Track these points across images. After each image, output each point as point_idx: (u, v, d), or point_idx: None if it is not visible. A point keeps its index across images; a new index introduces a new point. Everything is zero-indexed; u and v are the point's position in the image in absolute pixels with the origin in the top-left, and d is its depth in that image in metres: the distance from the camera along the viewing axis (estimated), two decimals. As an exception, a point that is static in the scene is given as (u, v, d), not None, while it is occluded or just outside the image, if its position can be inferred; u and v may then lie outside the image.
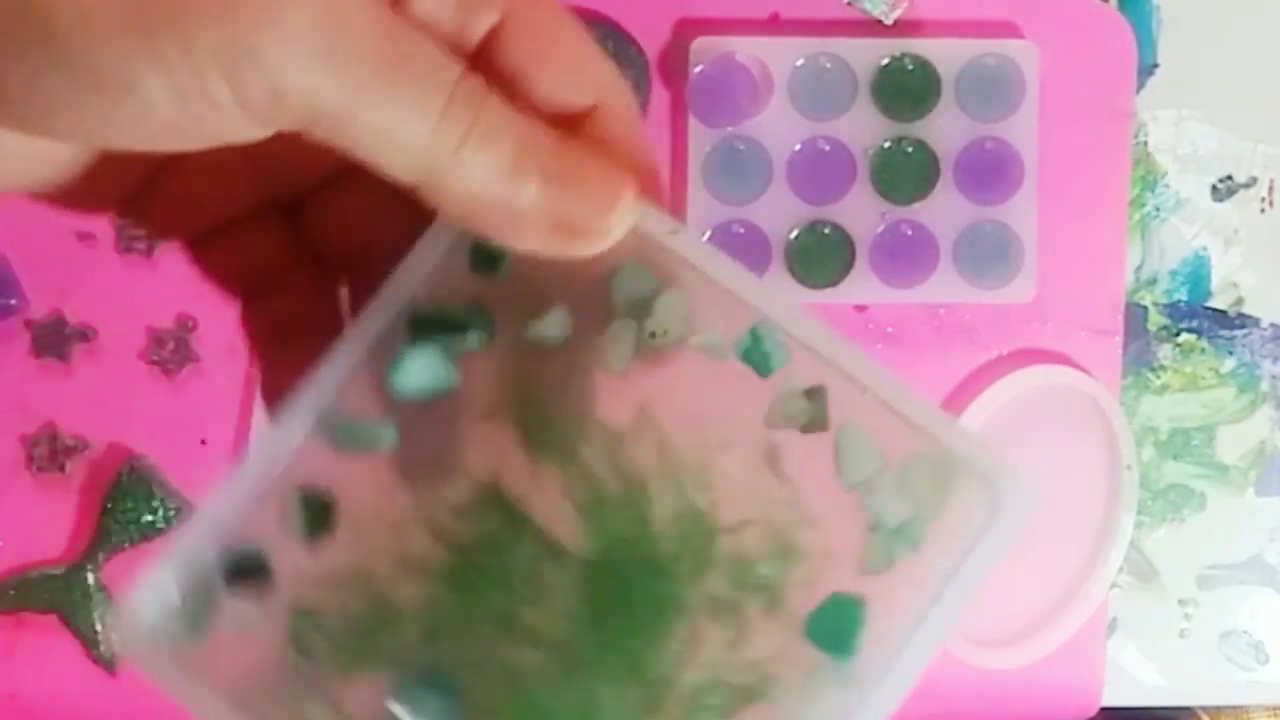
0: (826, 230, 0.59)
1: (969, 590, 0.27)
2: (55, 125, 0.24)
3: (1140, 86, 0.62)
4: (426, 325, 0.27)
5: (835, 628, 0.27)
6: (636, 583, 0.27)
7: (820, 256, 0.60)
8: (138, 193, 0.29)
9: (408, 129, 0.24)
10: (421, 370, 0.27)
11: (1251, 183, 0.63)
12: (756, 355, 0.27)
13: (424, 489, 0.28)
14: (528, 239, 0.26)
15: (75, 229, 0.58)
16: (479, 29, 0.27)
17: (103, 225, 0.58)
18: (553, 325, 0.27)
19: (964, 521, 0.27)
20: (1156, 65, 0.62)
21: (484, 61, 0.26)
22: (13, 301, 0.58)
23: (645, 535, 0.27)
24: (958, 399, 0.61)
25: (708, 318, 0.27)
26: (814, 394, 0.27)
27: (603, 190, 0.26)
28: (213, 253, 0.30)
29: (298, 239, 0.30)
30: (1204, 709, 0.67)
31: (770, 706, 0.27)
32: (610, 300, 0.27)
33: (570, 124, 0.27)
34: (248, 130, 0.24)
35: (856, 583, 0.27)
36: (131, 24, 0.22)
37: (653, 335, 0.27)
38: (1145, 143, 0.63)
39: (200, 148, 0.25)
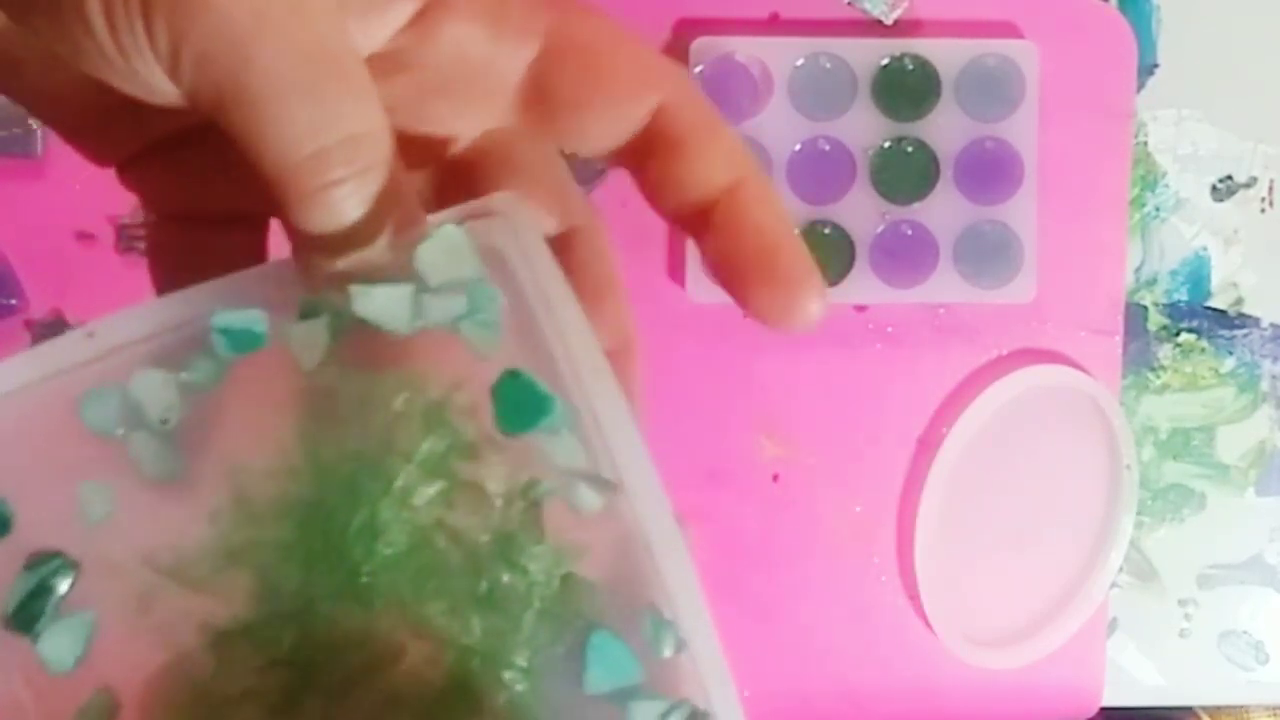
0: (826, 230, 0.60)
1: (568, 297, 0.27)
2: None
3: (1140, 86, 0.62)
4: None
5: (518, 408, 0.26)
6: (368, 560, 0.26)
7: (820, 256, 0.59)
8: (139, 159, 0.29)
9: (289, 145, 0.24)
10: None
11: (1251, 183, 0.63)
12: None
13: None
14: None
15: (75, 229, 0.58)
16: (517, 62, 0.27)
17: (102, 225, 0.58)
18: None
19: (511, 257, 0.27)
20: (1156, 65, 0.62)
21: (535, 99, 0.27)
22: (13, 301, 0.58)
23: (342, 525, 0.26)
24: (958, 399, 0.61)
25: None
26: (309, 310, 0.26)
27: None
28: (141, 170, 0.30)
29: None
30: (1204, 709, 0.67)
31: (552, 497, 0.27)
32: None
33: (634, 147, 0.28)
34: (158, 84, 0.24)
35: (490, 371, 0.27)
36: None
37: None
38: (1145, 143, 0.63)
39: (120, 87, 0.25)
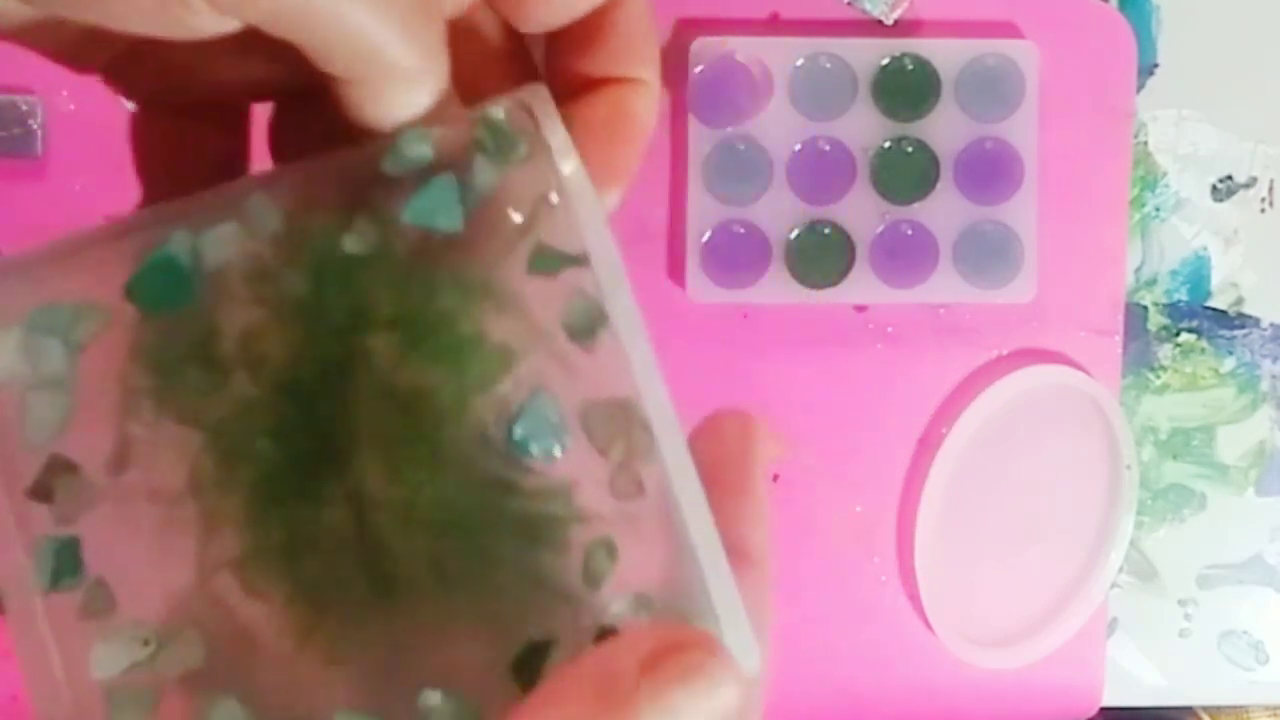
0: (826, 230, 0.60)
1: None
2: None
3: (1140, 86, 0.62)
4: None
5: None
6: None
7: (820, 256, 0.60)
8: (120, 58, 0.29)
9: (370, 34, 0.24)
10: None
11: (1251, 183, 0.63)
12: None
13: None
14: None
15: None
16: None
17: (103, 225, 0.58)
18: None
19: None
20: (1156, 65, 0.62)
21: None
22: (13, 301, 0.58)
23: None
24: (958, 399, 0.61)
25: None
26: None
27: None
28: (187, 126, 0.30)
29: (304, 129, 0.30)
30: (1204, 709, 0.67)
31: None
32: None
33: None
34: (213, 23, 0.24)
35: None
36: None
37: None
38: (1145, 143, 0.63)
39: (165, 36, 0.24)
